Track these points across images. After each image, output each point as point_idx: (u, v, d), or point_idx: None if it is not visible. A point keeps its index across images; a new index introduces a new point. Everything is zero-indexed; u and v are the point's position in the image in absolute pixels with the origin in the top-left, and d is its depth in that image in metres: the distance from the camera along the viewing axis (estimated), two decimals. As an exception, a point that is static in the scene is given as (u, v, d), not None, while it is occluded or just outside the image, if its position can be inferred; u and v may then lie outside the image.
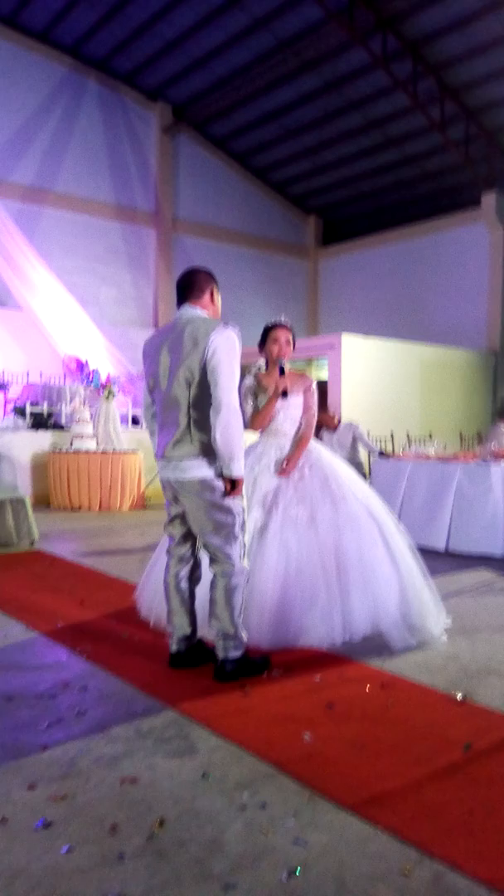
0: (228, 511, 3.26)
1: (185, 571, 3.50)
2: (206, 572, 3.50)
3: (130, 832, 2.10)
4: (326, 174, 18.03)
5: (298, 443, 4.05)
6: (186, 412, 3.21)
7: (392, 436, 10.66)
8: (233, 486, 3.22)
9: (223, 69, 15.37)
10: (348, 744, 2.68)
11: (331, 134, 16.45)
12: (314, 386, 4.16)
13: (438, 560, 5.99)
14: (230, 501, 3.26)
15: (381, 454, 7.93)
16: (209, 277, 3.42)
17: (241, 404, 3.93)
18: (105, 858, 1.98)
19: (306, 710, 2.98)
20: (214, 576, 3.33)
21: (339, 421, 8.37)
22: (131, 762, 2.54)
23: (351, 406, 12.08)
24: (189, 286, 3.37)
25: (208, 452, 3.21)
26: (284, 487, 3.93)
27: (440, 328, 15.79)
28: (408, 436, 10.96)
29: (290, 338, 4.08)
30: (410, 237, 17.09)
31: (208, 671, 3.35)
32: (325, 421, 8.16)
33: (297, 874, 1.91)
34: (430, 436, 11.16)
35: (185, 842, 2.06)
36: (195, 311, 3.33)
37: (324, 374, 13.71)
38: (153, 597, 3.97)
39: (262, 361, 4.17)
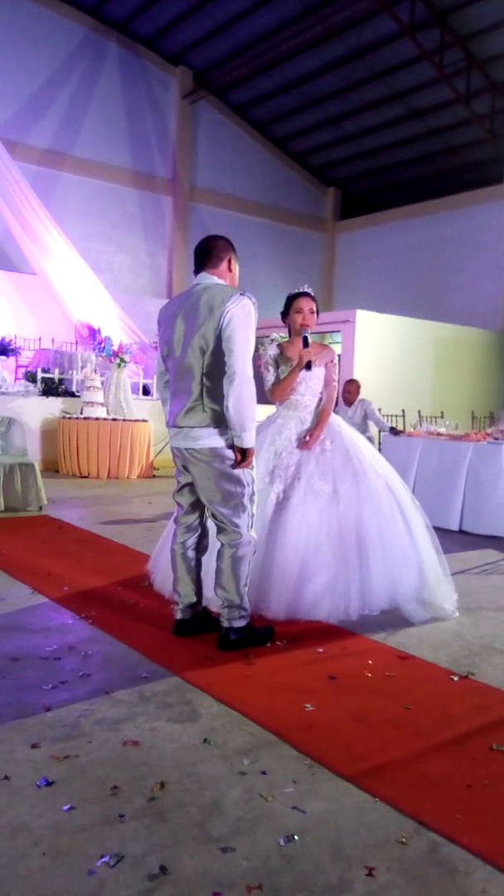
0: (238, 481, 3.25)
1: (192, 540, 3.50)
2: (214, 542, 3.50)
3: (131, 793, 2.13)
4: (347, 146, 17.77)
5: (320, 416, 4.01)
6: (200, 381, 3.19)
7: (403, 413, 10.61)
8: (243, 456, 3.21)
9: (246, 35, 15.10)
10: (349, 715, 2.69)
11: (353, 104, 16.18)
12: (336, 359, 4.09)
13: (450, 539, 5.98)
14: (240, 471, 3.25)
15: (393, 430, 7.89)
16: (228, 245, 3.36)
17: (263, 373, 3.90)
18: (106, 818, 2.01)
19: (308, 681, 3.00)
20: (221, 546, 3.33)
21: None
22: (134, 725, 2.57)
23: (363, 382, 11.93)
24: (207, 253, 3.32)
25: (220, 422, 3.19)
26: (306, 461, 3.91)
27: (456, 307, 15.63)
28: (419, 414, 10.90)
29: (314, 307, 3.98)
30: (430, 212, 16.87)
31: (212, 640, 3.37)
32: (350, 391, 8.23)
33: (295, 840, 1.94)
34: (442, 414, 11.09)
35: (184, 805, 2.08)
36: (212, 279, 3.29)
37: (337, 350, 13.62)
38: (166, 566, 3.98)
39: (275, 333, 4.13)
